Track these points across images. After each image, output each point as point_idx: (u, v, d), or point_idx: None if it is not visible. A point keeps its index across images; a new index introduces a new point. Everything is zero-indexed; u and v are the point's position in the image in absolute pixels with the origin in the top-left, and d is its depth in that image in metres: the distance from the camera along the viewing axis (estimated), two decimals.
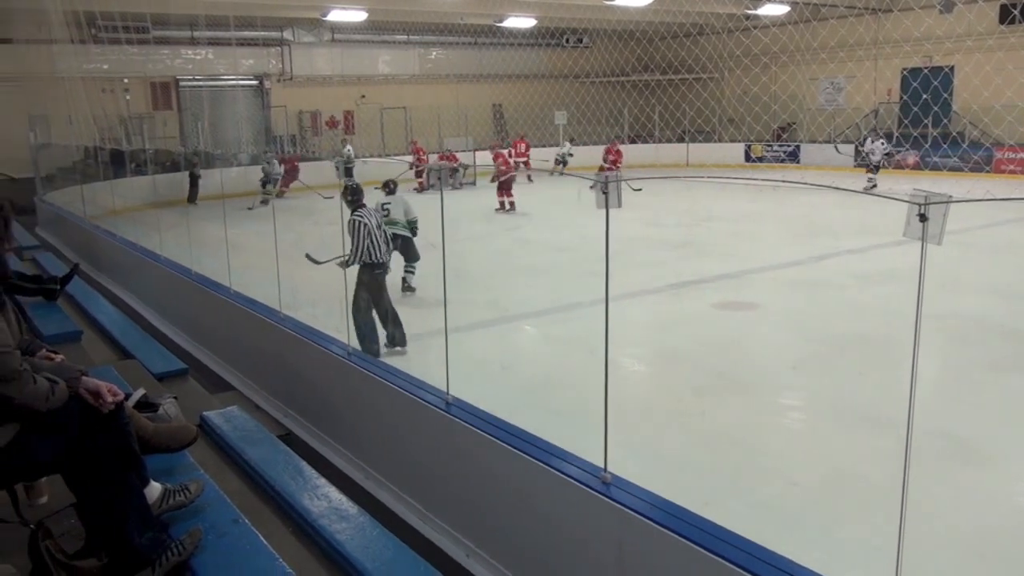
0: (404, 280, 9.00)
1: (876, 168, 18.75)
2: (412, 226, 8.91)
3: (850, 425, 5.41)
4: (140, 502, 2.68)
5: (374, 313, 6.74)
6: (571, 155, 22.80)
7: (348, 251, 6.55)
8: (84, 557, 2.60)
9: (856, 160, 21.74)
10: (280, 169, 18.98)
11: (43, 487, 3.11)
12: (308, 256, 7.05)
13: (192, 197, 16.74)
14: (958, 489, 4.52)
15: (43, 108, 16.35)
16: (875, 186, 17.46)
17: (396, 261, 8.59)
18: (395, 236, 8.43)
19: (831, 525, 4.17)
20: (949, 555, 3.85)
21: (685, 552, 2.60)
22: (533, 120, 27.42)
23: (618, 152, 21.29)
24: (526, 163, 22.12)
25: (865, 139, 20.08)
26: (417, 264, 9.00)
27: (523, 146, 22.95)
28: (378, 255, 6.66)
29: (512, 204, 16.43)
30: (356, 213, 6.64)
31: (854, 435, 5.25)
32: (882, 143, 19.00)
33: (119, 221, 11.13)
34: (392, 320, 6.84)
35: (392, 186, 8.93)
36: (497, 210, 16.35)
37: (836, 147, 20.01)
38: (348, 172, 17.75)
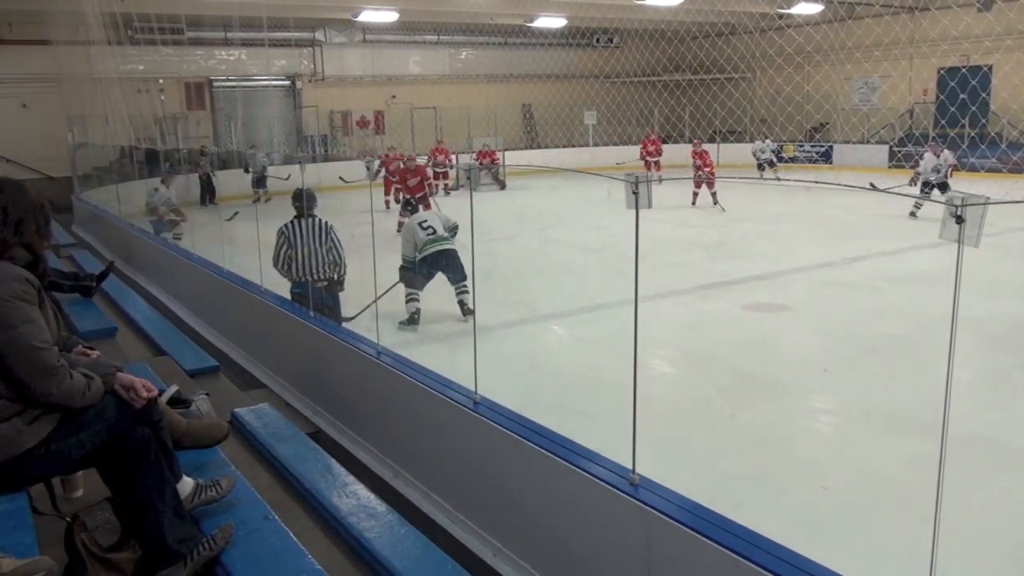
0: (462, 304, 8.06)
1: (944, 186, 14.09)
2: (454, 232, 8.18)
3: (883, 429, 5.34)
4: (173, 497, 2.72)
5: None
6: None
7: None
8: (119, 550, 2.64)
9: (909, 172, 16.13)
10: (171, 193, 12.66)
11: (79, 481, 3.16)
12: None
13: (204, 199, 15.98)
14: (995, 495, 4.43)
15: (80, 108, 16.64)
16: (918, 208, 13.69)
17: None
18: (449, 252, 8.02)
19: (863, 530, 4.12)
20: (986, 563, 3.78)
21: (714, 555, 2.58)
22: (563, 120, 27.40)
23: (705, 153, 17.84)
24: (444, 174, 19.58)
25: (935, 150, 14.86)
26: (466, 281, 7.95)
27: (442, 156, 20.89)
28: (301, 273, 6.23)
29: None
30: (289, 222, 6.35)
31: (887, 439, 5.18)
32: (950, 153, 14.76)
33: (153, 219, 11.30)
34: None
35: (414, 203, 8.49)
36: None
37: (872, 184, 17.10)
38: (260, 182, 16.71)
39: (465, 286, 8.03)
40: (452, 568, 2.89)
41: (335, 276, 6.61)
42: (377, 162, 17.09)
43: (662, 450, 4.47)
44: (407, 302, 7.93)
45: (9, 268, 2.49)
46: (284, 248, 6.39)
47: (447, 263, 8.09)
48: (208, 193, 16.54)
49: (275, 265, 6.45)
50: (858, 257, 11.07)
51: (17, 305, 2.43)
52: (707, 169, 17.14)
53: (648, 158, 22.41)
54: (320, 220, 6.47)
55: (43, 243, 2.71)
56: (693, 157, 17.66)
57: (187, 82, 23.18)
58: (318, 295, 6.30)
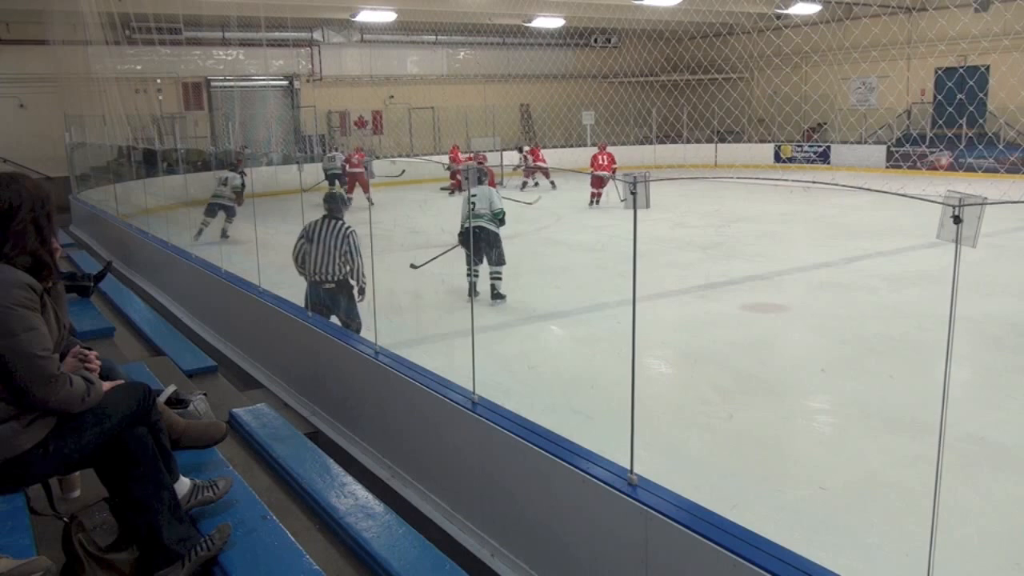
0: (493, 288, 8.78)
1: None
2: (497, 217, 8.77)
3: (880, 429, 5.34)
4: (171, 497, 2.71)
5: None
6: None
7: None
8: (116, 550, 2.64)
9: None
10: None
11: (76, 481, 3.16)
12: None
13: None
14: (992, 495, 4.44)
15: (78, 108, 16.63)
16: None
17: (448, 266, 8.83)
18: (479, 231, 8.60)
19: (861, 530, 4.12)
20: (983, 563, 3.78)
21: (711, 555, 2.58)
22: (561, 120, 27.40)
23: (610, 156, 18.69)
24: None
25: None
26: (503, 268, 8.76)
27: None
28: (313, 271, 6.37)
29: None
30: (314, 220, 6.50)
31: (884, 439, 5.18)
32: None
33: (151, 219, 11.28)
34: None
35: (481, 176, 9.06)
36: None
37: None
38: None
39: (499, 272, 8.75)
40: (450, 568, 2.89)
41: (348, 279, 6.59)
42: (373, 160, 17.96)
43: (660, 450, 4.48)
44: (467, 276, 8.55)
45: (11, 273, 2.46)
46: (302, 242, 6.50)
47: (485, 243, 8.63)
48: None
49: (292, 256, 6.60)
50: (856, 257, 11.08)
51: (19, 312, 2.41)
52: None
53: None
54: (341, 224, 6.48)
55: (51, 243, 2.66)
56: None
57: (185, 82, 23.17)
58: (323, 296, 6.34)
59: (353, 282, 6.55)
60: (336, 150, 20.79)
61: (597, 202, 17.37)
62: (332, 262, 6.38)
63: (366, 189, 16.86)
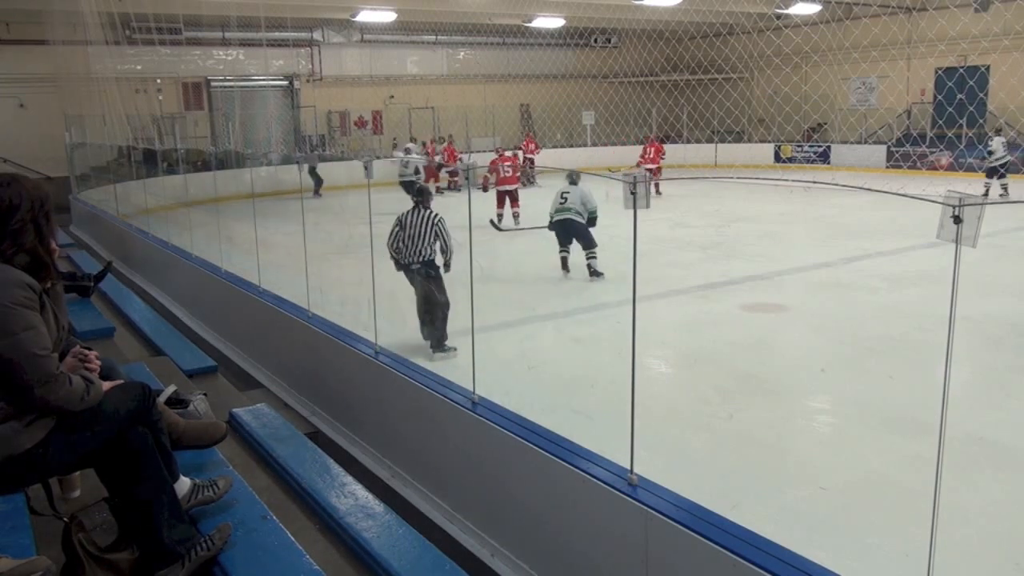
0: (589, 267, 9.83)
1: (1003, 172, 16.56)
2: (591, 215, 9.88)
3: (880, 429, 5.34)
4: (171, 497, 2.71)
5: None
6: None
7: None
8: (116, 550, 2.64)
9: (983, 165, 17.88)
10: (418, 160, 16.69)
11: (76, 481, 3.16)
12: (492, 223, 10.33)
13: (316, 189, 18.30)
14: (992, 495, 4.44)
15: (78, 108, 16.63)
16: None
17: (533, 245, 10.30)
18: (564, 221, 9.89)
19: (861, 530, 4.12)
20: (983, 563, 3.78)
21: (711, 555, 2.58)
22: (561, 120, 27.39)
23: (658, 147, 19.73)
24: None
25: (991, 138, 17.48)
26: (596, 250, 9.81)
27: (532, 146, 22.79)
28: (405, 255, 6.86)
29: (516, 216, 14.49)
30: (406, 210, 7.05)
31: (884, 439, 5.18)
32: (1003, 141, 16.92)
33: (151, 219, 11.28)
34: (428, 323, 6.97)
35: (575, 177, 10.12)
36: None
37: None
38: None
39: (593, 252, 9.88)
40: (450, 568, 2.89)
41: (435, 260, 7.03)
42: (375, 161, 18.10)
43: (660, 450, 4.48)
44: (559, 254, 10.18)
45: (11, 273, 2.45)
46: (396, 230, 7.00)
47: (575, 232, 9.91)
48: (315, 183, 18.39)
49: (387, 244, 7.00)
50: (856, 257, 11.08)
51: (19, 311, 2.40)
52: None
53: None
54: (431, 212, 6.99)
55: (50, 243, 2.65)
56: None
57: (185, 82, 23.16)
58: (413, 277, 6.91)
59: (443, 258, 7.05)
60: (413, 140, 22.13)
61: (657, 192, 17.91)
62: (422, 246, 6.89)
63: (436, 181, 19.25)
